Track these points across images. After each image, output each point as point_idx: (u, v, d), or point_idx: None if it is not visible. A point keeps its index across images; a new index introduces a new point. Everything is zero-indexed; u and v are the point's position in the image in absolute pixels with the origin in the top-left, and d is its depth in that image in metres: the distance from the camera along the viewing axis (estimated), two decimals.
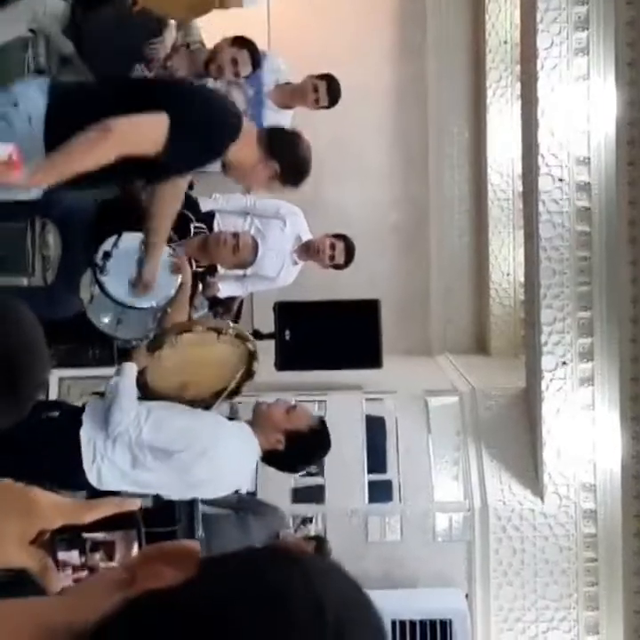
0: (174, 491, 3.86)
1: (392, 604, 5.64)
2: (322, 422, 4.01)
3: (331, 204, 8.22)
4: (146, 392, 3.92)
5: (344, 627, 0.82)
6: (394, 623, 5.87)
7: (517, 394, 6.93)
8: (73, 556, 1.20)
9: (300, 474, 4.57)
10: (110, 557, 1.21)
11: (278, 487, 6.28)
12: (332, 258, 6.00)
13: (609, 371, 6.13)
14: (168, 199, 3.94)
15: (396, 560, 6.39)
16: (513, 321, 8.15)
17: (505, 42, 7.97)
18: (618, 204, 5.93)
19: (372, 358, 6.92)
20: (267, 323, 7.15)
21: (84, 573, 1.20)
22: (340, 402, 6.95)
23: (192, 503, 5.07)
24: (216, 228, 5.52)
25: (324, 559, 0.89)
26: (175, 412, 3.81)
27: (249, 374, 3.99)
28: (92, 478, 3.69)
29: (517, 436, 6.64)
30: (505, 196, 8.15)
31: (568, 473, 6.30)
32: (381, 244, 8.32)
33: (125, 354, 4.27)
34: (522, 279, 7.62)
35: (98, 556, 1.21)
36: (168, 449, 3.64)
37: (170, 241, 4.49)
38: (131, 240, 4.49)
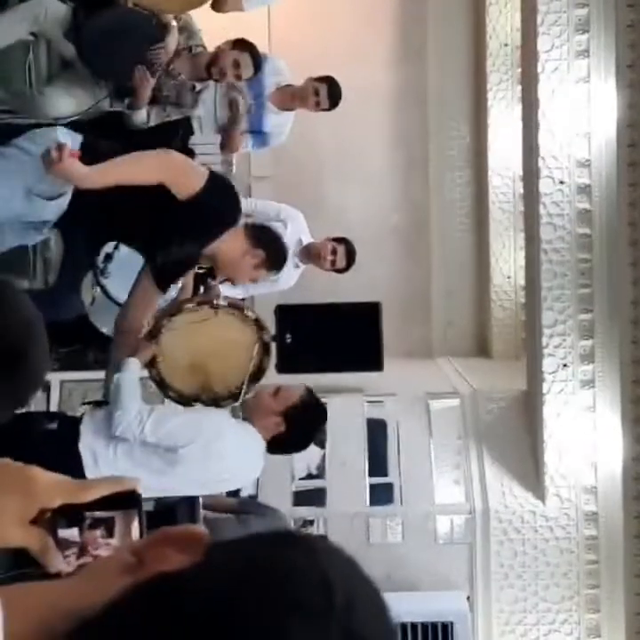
0: (180, 489, 3.86)
1: (393, 607, 5.62)
2: (309, 391, 4.02)
3: (331, 206, 8.23)
4: (167, 390, 3.90)
5: (352, 603, 0.83)
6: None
7: (518, 396, 6.93)
8: (73, 534, 1.20)
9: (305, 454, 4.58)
10: (110, 534, 1.21)
11: (279, 490, 6.28)
12: (334, 262, 6.02)
13: (610, 373, 6.13)
14: (139, 305, 3.92)
15: (398, 562, 6.38)
16: (514, 323, 8.15)
17: (505, 45, 7.98)
18: (618, 206, 5.93)
19: (372, 361, 6.92)
20: (267, 325, 7.15)
21: (87, 553, 1.20)
22: (341, 405, 6.95)
23: (193, 507, 5.07)
24: None
25: (326, 540, 0.90)
26: (179, 409, 3.81)
27: (266, 349, 3.94)
28: None
29: (518, 439, 6.64)
30: (506, 199, 8.16)
31: (569, 475, 6.30)
32: (382, 246, 8.32)
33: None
34: (523, 282, 7.62)
35: (98, 532, 1.21)
36: (172, 445, 3.63)
37: None
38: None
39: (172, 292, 4.59)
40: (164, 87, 4.93)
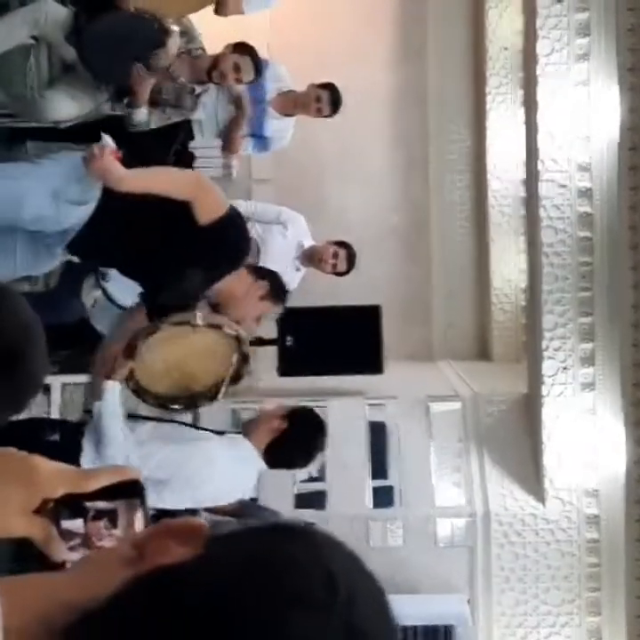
0: (175, 506, 3.87)
1: (394, 610, 5.63)
2: (299, 410, 4.08)
3: (332, 208, 8.24)
4: (145, 396, 3.90)
5: (354, 597, 0.83)
6: None
7: (519, 399, 6.93)
8: (77, 525, 1.20)
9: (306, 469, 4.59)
10: (114, 525, 1.21)
11: (280, 493, 6.28)
12: (335, 266, 6.04)
13: (610, 376, 6.13)
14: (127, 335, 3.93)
15: (398, 565, 6.37)
16: (515, 326, 8.15)
17: (505, 48, 7.99)
18: (619, 209, 5.93)
19: (373, 364, 6.92)
20: (268, 328, 7.15)
21: (91, 544, 1.20)
22: (342, 407, 6.95)
23: (194, 511, 5.07)
24: None
25: (327, 533, 0.90)
26: (166, 436, 3.78)
27: (244, 358, 3.97)
28: None
29: (519, 442, 6.64)
30: (506, 202, 8.16)
31: (570, 478, 6.30)
32: (383, 248, 8.32)
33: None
34: (523, 285, 7.63)
35: (102, 523, 1.20)
36: (161, 478, 3.64)
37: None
38: None
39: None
40: (163, 90, 4.94)
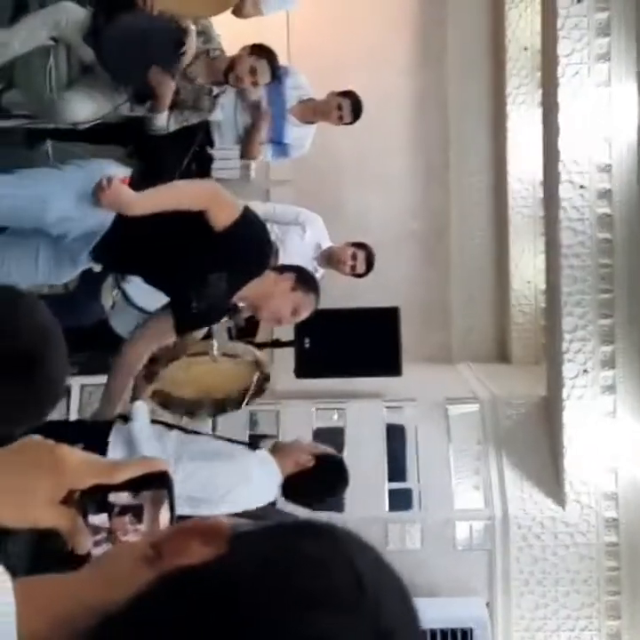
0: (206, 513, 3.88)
1: (418, 609, 5.61)
2: (330, 456, 4.07)
3: (351, 210, 8.22)
4: (172, 405, 3.92)
5: (381, 595, 0.82)
6: None
7: (538, 402, 6.89)
8: (102, 520, 1.19)
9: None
10: (139, 520, 1.20)
11: None
12: (354, 267, 6.03)
13: (631, 378, 6.10)
14: (151, 340, 3.93)
15: (417, 569, 6.35)
16: (534, 328, 8.12)
17: (525, 48, 7.95)
18: (639, 210, 5.90)
19: (391, 366, 6.91)
20: (286, 330, 7.14)
21: (116, 539, 1.18)
22: (360, 410, 6.94)
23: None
24: None
25: (349, 531, 0.89)
26: (205, 452, 3.76)
27: (266, 378, 4.03)
28: None
29: (538, 445, 6.61)
30: (525, 203, 8.13)
31: (590, 481, 6.26)
32: (402, 250, 8.30)
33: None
34: (543, 286, 7.59)
35: (126, 519, 1.19)
36: (197, 497, 3.63)
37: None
38: None
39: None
40: (181, 91, 4.94)
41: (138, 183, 3.73)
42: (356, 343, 6.96)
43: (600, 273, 6.12)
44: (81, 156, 4.30)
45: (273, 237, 5.74)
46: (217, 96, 5.23)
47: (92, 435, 3.78)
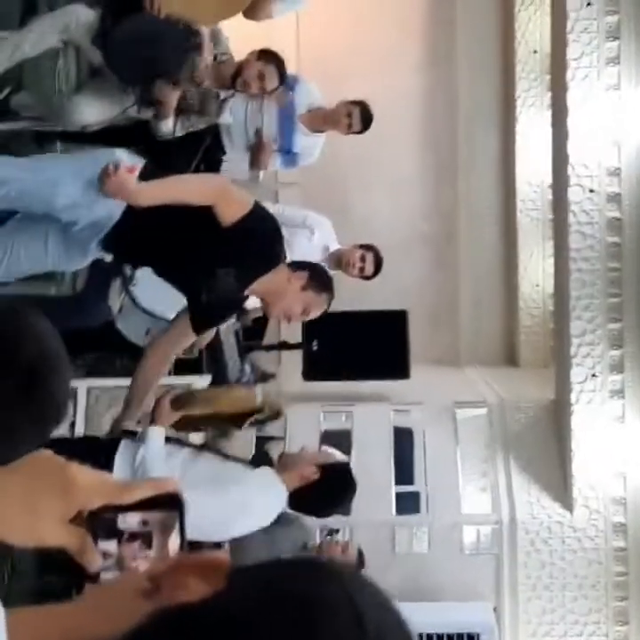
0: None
1: (419, 617, 5.59)
2: (336, 466, 4.06)
3: (359, 213, 8.22)
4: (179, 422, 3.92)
5: (383, 631, 0.81)
6: (421, 636, 5.83)
7: (547, 406, 6.87)
8: (112, 545, 1.18)
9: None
10: (148, 546, 1.18)
11: None
12: (362, 269, 6.00)
13: (639, 382, 6.08)
14: (172, 343, 3.91)
15: (424, 572, 6.34)
16: (542, 332, 8.10)
17: (534, 51, 7.94)
18: None
19: (399, 369, 6.90)
20: (294, 332, 7.14)
21: (125, 565, 1.17)
22: (368, 413, 6.93)
23: None
24: None
25: (351, 568, 0.87)
26: (205, 486, 3.75)
27: (277, 414, 4.05)
28: None
29: (546, 449, 6.59)
30: (534, 206, 8.11)
31: (597, 486, 6.24)
32: (410, 253, 8.29)
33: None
34: (551, 290, 7.57)
35: (136, 545, 1.18)
36: (194, 523, 3.63)
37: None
38: None
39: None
40: (188, 95, 4.93)
41: (152, 173, 3.71)
42: (363, 346, 6.96)
43: (609, 277, 6.10)
44: None
45: None
46: (224, 100, 5.21)
47: (100, 451, 3.75)
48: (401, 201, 8.46)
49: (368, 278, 6.15)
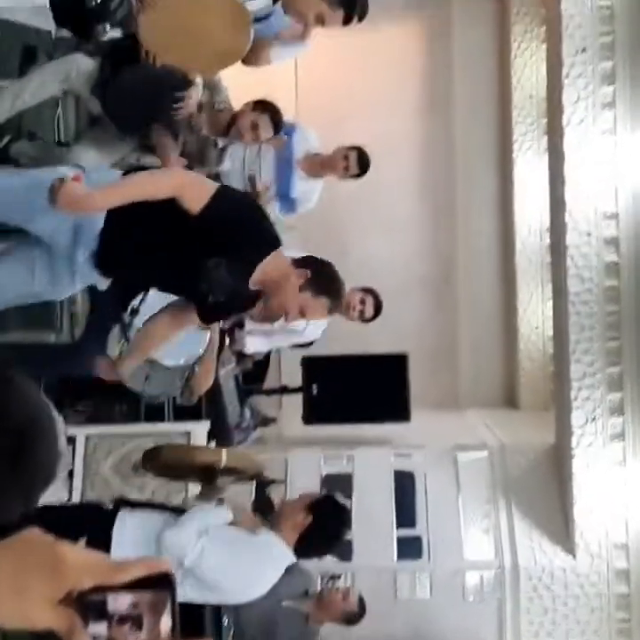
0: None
1: None
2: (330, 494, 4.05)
3: (358, 256, 8.24)
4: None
5: None
6: None
7: (548, 450, 6.85)
8: (102, 628, 1.17)
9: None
10: (139, 627, 1.17)
11: None
12: (362, 312, 6.01)
13: None
14: (171, 315, 3.82)
15: (426, 618, 6.29)
16: (542, 374, 8.09)
17: (531, 96, 8.00)
18: None
19: (400, 412, 6.90)
20: (294, 376, 7.14)
21: None
22: (369, 456, 6.91)
23: None
24: None
25: None
26: (232, 541, 3.74)
27: (259, 474, 4.05)
28: None
29: (548, 493, 6.55)
30: (533, 249, 8.14)
31: (600, 531, 6.20)
32: (410, 296, 8.31)
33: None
34: (551, 332, 7.57)
35: (126, 627, 1.17)
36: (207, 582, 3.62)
37: None
38: (158, 297, 4.51)
39: (200, 349, 4.59)
40: (187, 143, 4.96)
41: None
42: (364, 389, 6.96)
43: (607, 320, 6.10)
44: None
45: None
46: (224, 148, 5.25)
47: (96, 521, 3.67)
48: (399, 244, 8.49)
49: (368, 321, 6.16)
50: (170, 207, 3.40)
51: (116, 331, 5.06)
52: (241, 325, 5.81)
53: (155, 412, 5.49)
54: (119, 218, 3.48)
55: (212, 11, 4.32)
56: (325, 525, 3.89)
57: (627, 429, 6.12)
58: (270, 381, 7.12)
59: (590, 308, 6.11)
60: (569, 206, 6.07)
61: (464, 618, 6.33)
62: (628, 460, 6.13)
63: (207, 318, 3.77)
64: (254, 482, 4.32)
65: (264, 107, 5.16)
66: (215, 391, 5.70)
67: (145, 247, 3.56)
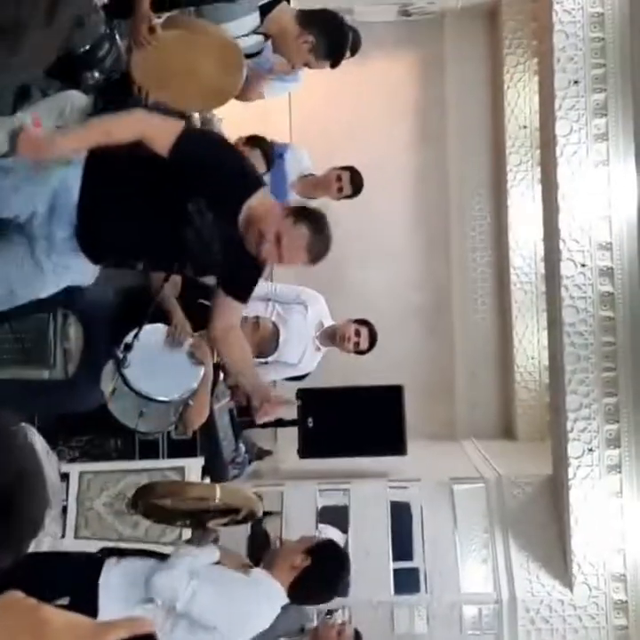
0: None
1: None
2: (321, 545, 4.01)
3: (353, 286, 8.24)
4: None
5: None
6: None
7: (544, 481, 6.82)
8: None
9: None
10: None
11: None
12: (357, 344, 5.99)
13: (636, 457, 6.04)
14: (230, 341, 3.75)
15: None
16: (539, 405, 8.08)
17: (524, 126, 8.04)
18: None
19: (396, 445, 6.86)
20: (290, 409, 7.11)
21: None
22: (365, 489, 6.88)
23: None
24: None
25: None
26: (210, 583, 3.71)
27: (253, 515, 4.02)
28: None
29: (545, 525, 6.52)
30: (528, 279, 8.14)
31: (597, 562, 6.17)
32: (405, 327, 8.30)
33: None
34: (547, 362, 7.57)
35: None
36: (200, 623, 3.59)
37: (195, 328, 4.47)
38: (152, 332, 4.49)
39: (194, 383, 4.56)
40: None
41: None
42: (360, 422, 6.92)
43: (603, 351, 6.10)
44: None
45: (275, 318, 5.76)
46: None
47: (82, 570, 3.61)
48: (394, 275, 8.50)
49: (363, 353, 6.14)
50: (143, 159, 3.32)
51: (109, 366, 5.05)
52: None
53: (149, 448, 5.45)
54: (94, 185, 3.39)
55: (204, 50, 4.33)
56: (324, 568, 3.83)
57: (623, 461, 6.11)
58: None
59: (585, 338, 6.11)
60: (563, 236, 6.09)
61: None
62: (625, 491, 6.11)
63: (238, 296, 3.61)
64: (248, 524, 4.27)
65: (255, 142, 5.17)
66: (210, 425, 5.67)
67: (124, 209, 3.45)
